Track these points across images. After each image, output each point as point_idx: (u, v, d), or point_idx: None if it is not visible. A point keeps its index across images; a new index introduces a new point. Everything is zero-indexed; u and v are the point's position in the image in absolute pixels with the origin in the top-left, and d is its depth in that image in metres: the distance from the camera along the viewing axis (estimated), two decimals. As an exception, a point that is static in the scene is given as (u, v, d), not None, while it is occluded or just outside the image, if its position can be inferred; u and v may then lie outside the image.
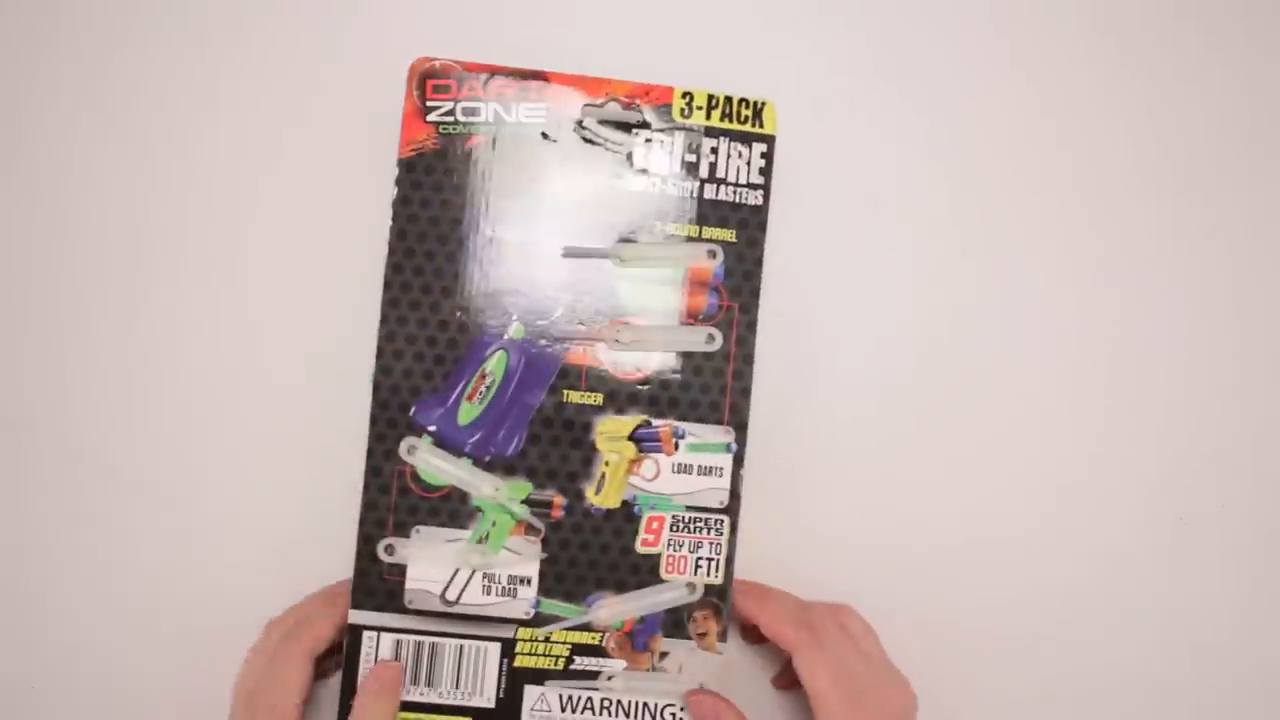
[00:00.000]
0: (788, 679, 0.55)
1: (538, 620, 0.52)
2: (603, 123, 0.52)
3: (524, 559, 0.52)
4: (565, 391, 0.52)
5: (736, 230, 0.53)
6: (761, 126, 0.53)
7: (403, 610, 0.51)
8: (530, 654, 0.52)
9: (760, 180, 0.53)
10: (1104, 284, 0.59)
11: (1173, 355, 0.59)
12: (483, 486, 0.52)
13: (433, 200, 0.52)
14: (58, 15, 0.56)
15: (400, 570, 0.51)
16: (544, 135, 0.52)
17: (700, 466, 0.53)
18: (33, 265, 0.56)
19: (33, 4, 0.56)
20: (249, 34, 0.57)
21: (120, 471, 0.56)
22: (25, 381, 0.56)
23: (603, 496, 0.52)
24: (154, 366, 0.56)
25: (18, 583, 0.56)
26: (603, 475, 0.52)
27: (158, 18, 0.57)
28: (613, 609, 0.52)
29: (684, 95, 0.53)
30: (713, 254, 0.53)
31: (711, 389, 0.53)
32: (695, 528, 0.52)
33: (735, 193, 0.53)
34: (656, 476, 0.52)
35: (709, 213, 0.53)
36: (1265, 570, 0.59)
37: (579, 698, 0.52)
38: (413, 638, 0.51)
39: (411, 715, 0.51)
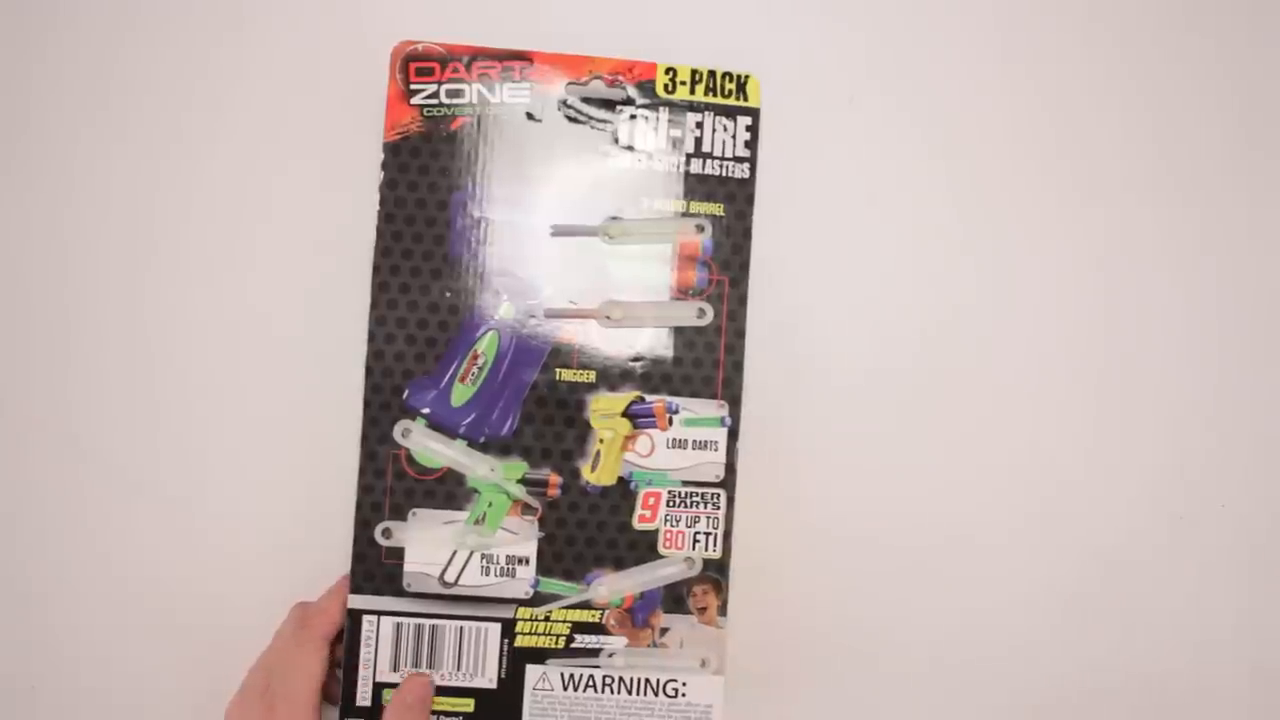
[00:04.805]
0: None
1: (537, 599, 0.52)
2: (587, 101, 0.53)
3: (521, 539, 0.52)
4: (558, 370, 0.52)
5: (724, 204, 0.53)
6: (746, 100, 0.53)
7: (402, 593, 0.51)
8: (531, 633, 0.52)
9: (746, 154, 0.53)
10: (1103, 282, 0.59)
11: (1172, 354, 0.59)
12: (478, 467, 0.52)
13: (419, 183, 0.52)
14: (55, 15, 0.57)
15: (398, 553, 0.51)
16: (529, 115, 0.52)
17: (695, 441, 0.52)
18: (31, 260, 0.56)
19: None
20: (231, 22, 0.57)
21: (118, 463, 0.56)
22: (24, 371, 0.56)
23: (598, 474, 0.52)
24: (150, 357, 0.56)
25: (18, 582, 0.56)
26: (598, 453, 0.52)
27: (143, 11, 0.57)
28: (612, 586, 0.52)
29: (667, 71, 0.53)
30: (701, 228, 0.53)
31: (704, 363, 0.53)
32: (692, 502, 0.52)
33: (722, 166, 0.53)
34: (651, 452, 0.52)
35: (696, 187, 0.53)
36: (1265, 570, 0.59)
37: (581, 675, 0.52)
38: (412, 620, 0.51)
39: (413, 697, 0.51)
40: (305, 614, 0.51)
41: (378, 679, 0.51)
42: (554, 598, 0.52)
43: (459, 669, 0.51)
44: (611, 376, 0.52)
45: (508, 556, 0.52)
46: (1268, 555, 0.59)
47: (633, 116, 0.53)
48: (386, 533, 0.51)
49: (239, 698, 0.50)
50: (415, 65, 0.52)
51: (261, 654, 0.51)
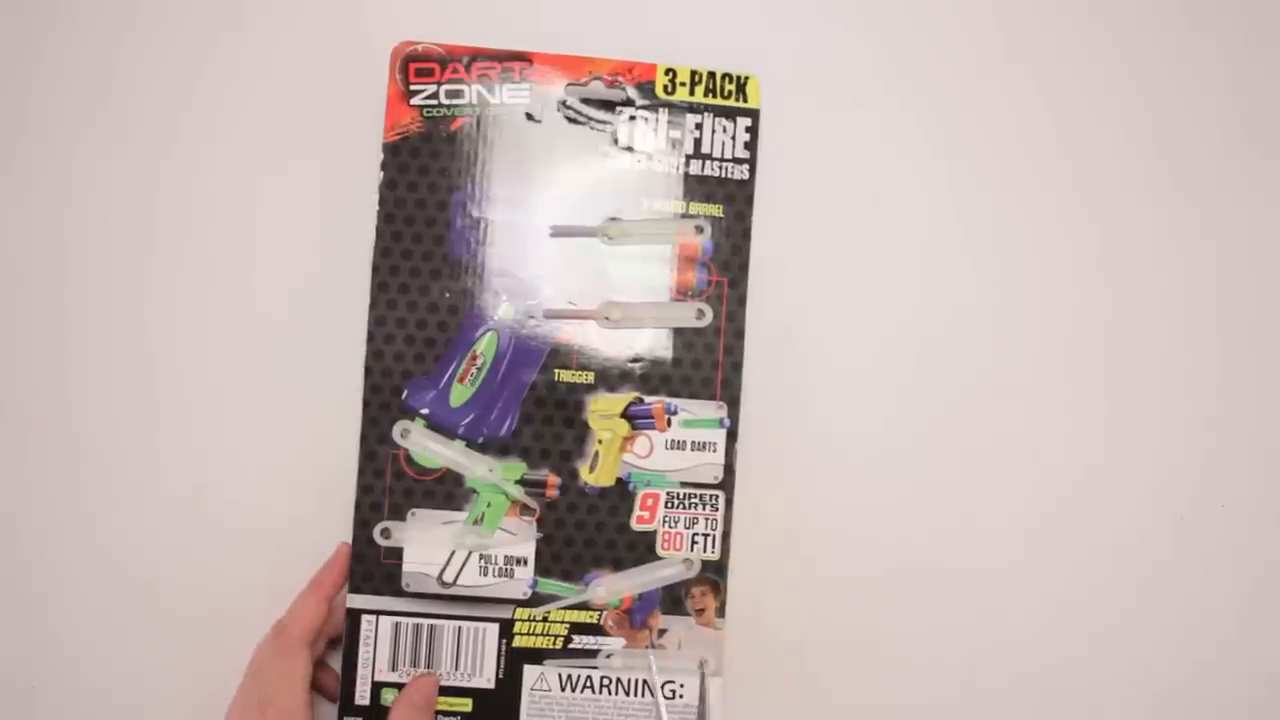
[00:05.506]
0: None
1: (535, 600, 0.52)
2: (586, 102, 0.53)
3: (520, 539, 0.52)
4: (556, 371, 0.52)
5: (724, 205, 0.53)
6: (745, 101, 0.53)
7: (400, 593, 0.51)
8: (529, 634, 0.52)
9: (746, 155, 0.53)
10: (1104, 282, 0.59)
11: (1173, 355, 0.59)
12: (477, 468, 0.52)
13: (419, 184, 0.52)
14: (55, 15, 0.57)
15: (397, 553, 0.51)
16: (528, 116, 0.52)
17: (694, 442, 0.53)
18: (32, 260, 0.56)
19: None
20: (231, 22, 0.57)
21: (118, 463, 0.56)
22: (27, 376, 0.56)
23: (597, 475, 0.52)
24: (150, 357, 0.56)
25: (19, 582, 0.56)
26: (596, 453, 0.52)
27: (143, 11, 0.57)
28: (610, 587, 0.52)
29: (667, 72, 0.53)
30: (700, 229, 0.53)
31: (703, 365, 0.53)
32: (690, 504, 0.52)
33: (721, 168, 0.53)
34: (650, 454, 0.52)
35: (696, 188, 0.53)
36: (1265, 570, 0.59)
37: (578, 676, 0.52)
38: (411, 620, 0.51)
39: (412, 697, 0.51)
40: (280, 624, 0.51)
41: (376, 678, 0.51)
42: (552, 598, 0.52)
43: (457, 669, 0.51)
44: (610, 377, 0.52)
45: (506, 557, 0.52)
46: (1268, 555, 0.59)
47: (632, 117, 0.53)
48: (385, 533, 0.51)
49: (235, 707, 0.50)
50: (415, 66, 0.52)
51: (247, 666, 0.50)
